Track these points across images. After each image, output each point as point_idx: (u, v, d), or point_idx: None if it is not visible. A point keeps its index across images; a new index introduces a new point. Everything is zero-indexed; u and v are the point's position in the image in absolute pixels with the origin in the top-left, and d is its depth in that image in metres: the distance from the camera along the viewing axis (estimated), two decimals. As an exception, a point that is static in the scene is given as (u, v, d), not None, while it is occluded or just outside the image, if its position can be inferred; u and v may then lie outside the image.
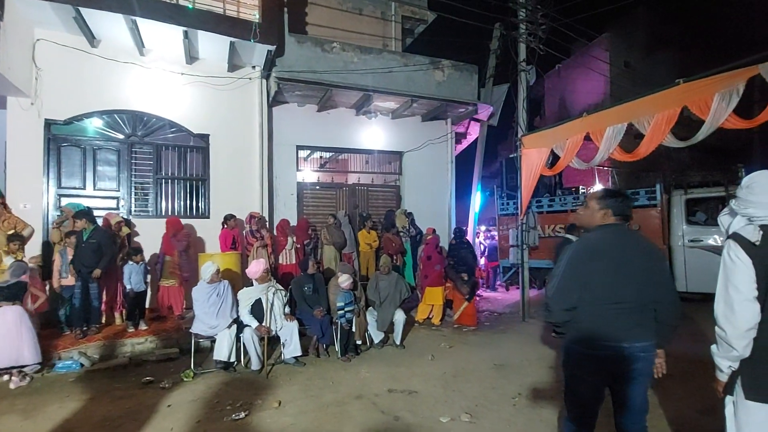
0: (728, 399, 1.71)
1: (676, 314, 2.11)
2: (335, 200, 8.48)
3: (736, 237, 1.66)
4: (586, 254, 2.09)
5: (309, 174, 9.86)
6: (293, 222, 7.48)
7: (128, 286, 5.36)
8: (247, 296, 4.82)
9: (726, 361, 1.69)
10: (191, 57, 6.76)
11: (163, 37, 6.24)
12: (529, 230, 7.50)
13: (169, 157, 7.05)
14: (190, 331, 4.76)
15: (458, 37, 9.30)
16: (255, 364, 4.58)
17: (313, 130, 8.10)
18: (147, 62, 6.61)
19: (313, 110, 8.03)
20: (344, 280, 5.09)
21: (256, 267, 4.89)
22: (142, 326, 5.46)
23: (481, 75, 8.90)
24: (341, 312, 5.01)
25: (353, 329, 5.11)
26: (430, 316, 6.84)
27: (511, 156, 8.36)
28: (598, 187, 11.95)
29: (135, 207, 6.76)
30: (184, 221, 6.84)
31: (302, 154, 8.96)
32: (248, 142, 7.24)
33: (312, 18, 8.48)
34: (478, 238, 10.88)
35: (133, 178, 6.75)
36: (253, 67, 7.19)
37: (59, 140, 6.32)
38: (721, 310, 1.66)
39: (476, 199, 10.30)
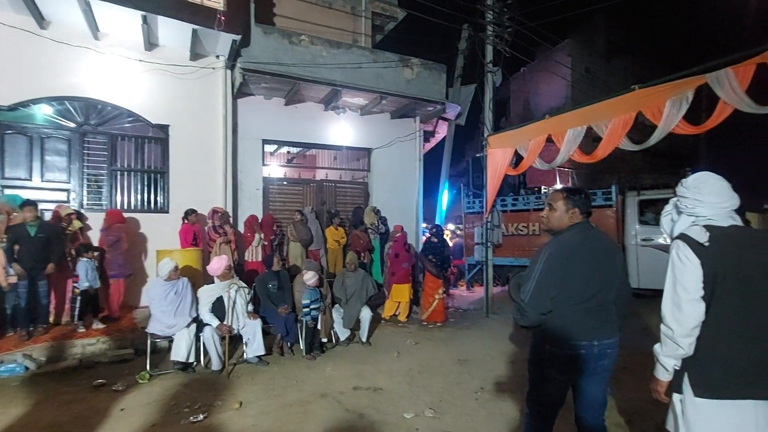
0: (676, 397, 1.73)
1: (630, 308, 2.23)
2: (302, 196, 8.35)
3: (685, 238, 1.69)
4: (563, 257, 2.07)
5: (276, 169, 9.67)
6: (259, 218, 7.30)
7: (85, 284, 5.05)
8: (207, 294, 4.66)
9: (671, 359, 1.71)
10: (150, 43, 6.44)
11: (120, 21, 5.91)
12: (493, 228, 7.67)
13: (126, 147, 6.69)
14: (146, 330, 4.55)
15: (428, 36, 9.38)
16: (215, 365, 4.44)
17: (280, 124, 7.93)
18: (102, 47, 6.23)
19: (281, 104, 7.85)
20: (309, 277, 5.03)
21: (218, 264, 4.74)
22: (98, 326, 5.16)
23: (450, 75, 9.00)
24: (306, 309, 4.95)
25: (318, 327, 5.06)
26: (397, 313, 6.88)
27: (477, 155, 8.51)
28: (558, 187, 12.38)
29: (87, 200, 6.37)
30: (140, 215, 6.56)
31: (269, 148, 8.76)
32: (211, 134, 6.98)
33: (280, 9, 8.29)
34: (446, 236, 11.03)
35: (85, 170, 6.36)
36: (217, 56, 6.94)
37: (3, 127, 5.85)
38: (669, 309, 1.69)
39: (443, 198, 10.44)
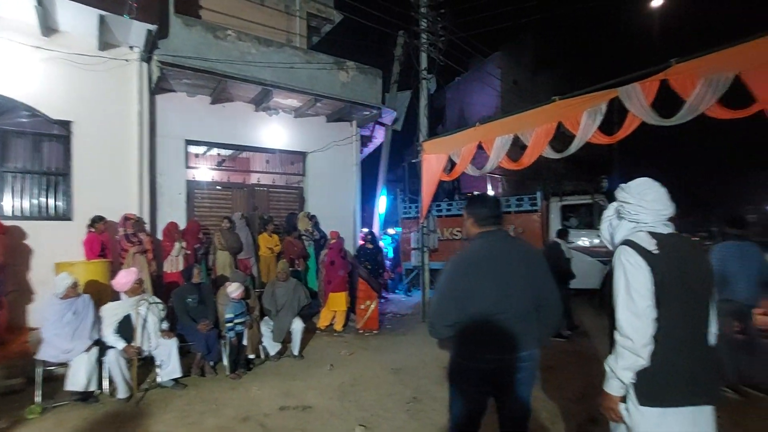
0: (622, 407, 1.68)
1: (558, 316, 2.14)
2: (232, 201, 7.84)
3: (632, 244, 1.65)
4: (462, 267, 2.03)
5: (203, 172, 9.03)
6: (182, 225, 6.71)
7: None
8: (112, 312, 4.11)
9: (629, 372, 1.61)
10: (48, 28, 5.66)
11: (8, 0, 5.13)
12: (429, 233, 7.74)
13: (20, 146, 5.83)
14: (36, 357, 3.92)
15: (364, 41, 9.33)
16: (122, 392, 3.92)
17: (206, 123, 7.39)
18: (-13, 30, 5.38)
19: (206, 102, 7.32)
20: (233, 289, 4.65)
21: (125, 278, 4.22)
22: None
23: (386, 80, 9.01)
24: (230, 324, 4.57)
25: (244, 342, 4.69)
26: (333, 323, 6.66)
27: (413, 161, 8.58)
28: (489, 192, 12.90)
29: (-33, 206, 5.44)
30: (37, 223, 5.73)
31: (194, 149, 8.15)
32: (123, 132, 6.29)
33: (206, 2, 7.76)
34: (384, 240, 10.99)
35: (-35, 171, 5.43)
36: (131, 47, 6.29)
37: None
38: (626, 319, 1.60)
39: (381, 203, 10.41)
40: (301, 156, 8.63)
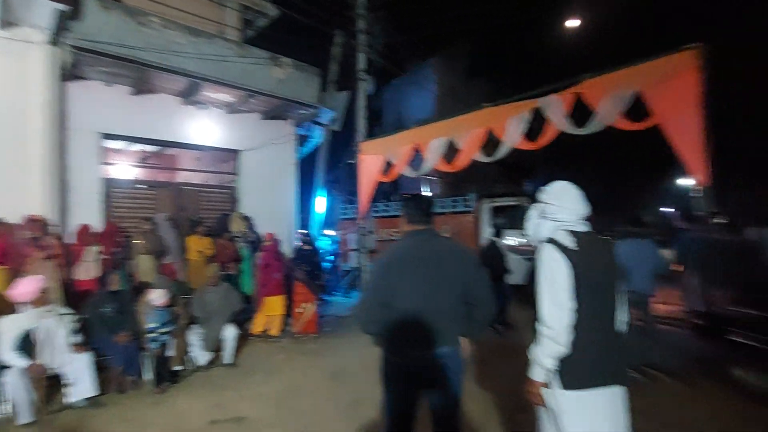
0: (548, 392, 1.81)
1: (490, 312, 2.18)
2: (157, 202, 7.27)
3: (554, 242, 1.80)
4: (385, 265, 2.09)
5: (122, 169, 8.29)
6: (100, 227, 6.10)
7: None
8: (12, 327, 3.62)
9: (551, 359, 1.76)
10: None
11: None
12: (367, 234, 7.79)
13: None
14: None
15: (302, 39, 9.14)
16: (24, 416, 3.48)
17: (126, 116, 6.76)
18: None
19: (126, 93, 6.72)
20: (157, 296, 4.33)
21: (28, 287, 3.75)
22: None
23: (324, 79, 8.91)
24: (153, 335, 4.24)
25: (169, 353, 4.38)
26: (268, 328, 6.45)
27: (351, 162, 8.59)
28: (425, 193, 13.27)
29: None
30: None
31: (111, 144, 7.44)
32: (25, 122, 5.56)
33: (127, -16, 7.13)
34: (322, 242, 10.87)
35: None
36: (37, 28, 5.59)
37: None
38: (548, 309, 1.75)
39: (319, 204, 10.28)
40: (233, 154, 8.24)
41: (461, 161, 6.20)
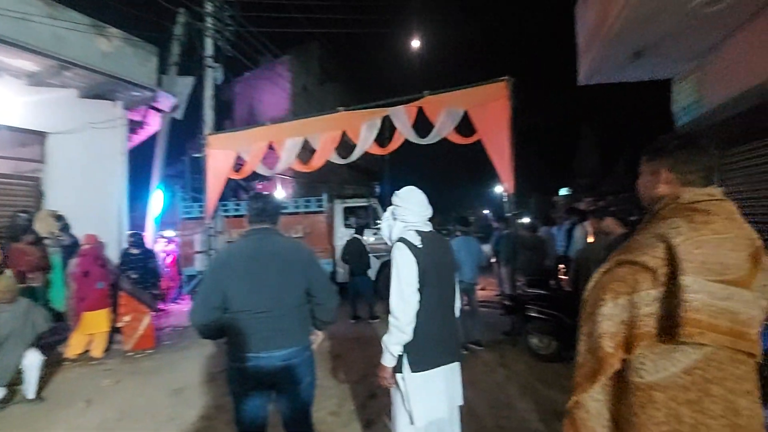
0: (399, 376, 1.98)
1: (331, 311, 2.20)
2: None
3: (404, 241, 1.99)
4: (218, 264, 2.06)
5: None
6: None
7: None
8: None
9: (398, 346, 1.94)
10: None
11: None
12: (217, 235, 7.23)
13: None
14: None
15: (137, 10, 7.90)
16: None
17: None
18: None
19: None
20: None
21: None
22: None
23: (164, 60, 7.90)
24: None
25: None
26: (89, 349, 5.41)
27: (196, 155, 7.81)
28: (279, 192, 13.02)
29: None
30: None
31: None
32: None
33: None
34: (160, 244, 9.55)
35: None
36: None
37: None
38: (396, 302, 1.92)
39: (157, 201, 9.04)
40: (39, 137, 6.60)
41: (317, 162, 6.30)
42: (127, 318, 5.62)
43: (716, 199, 1.28)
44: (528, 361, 4.64)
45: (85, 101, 7.04)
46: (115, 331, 5.69)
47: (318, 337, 2.33)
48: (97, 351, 5.38)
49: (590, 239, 5.39)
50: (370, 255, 7.09)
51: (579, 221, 6.27)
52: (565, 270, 6.41)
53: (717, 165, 1.36)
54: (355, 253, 6.84)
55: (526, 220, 10.88)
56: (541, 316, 4.65)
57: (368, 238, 8.67)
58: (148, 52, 7.33)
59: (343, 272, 8.57)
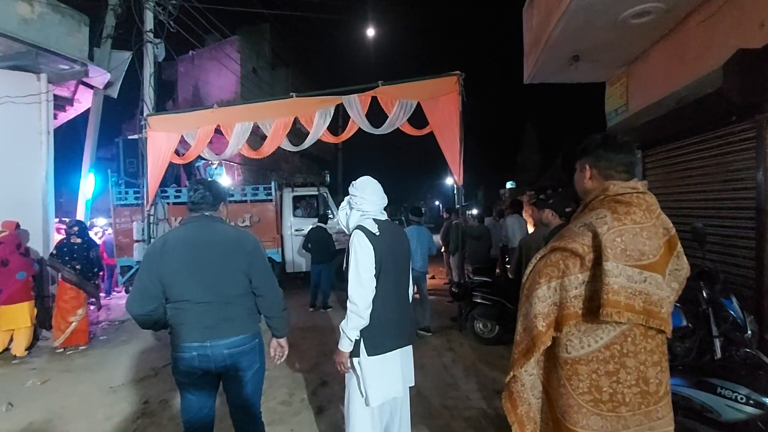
0: (355, 360, 2.04)
1: (273, 305, 2.13)
2: None
3: (362, 229, 2.03)
4: (153, 252, 1.99)
5: None
6: None
7: None
8: None
9: (355, 331, 1.98)
10: None
11: None
12: (158, 223, 6.83)
13: None
14: None
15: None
16: None
17: None
18: None
19: None
20: None
21: None
22: None
23: (96, 31, 7.23)
24: None
25: None
26: (10, 347, 4.94)
27: (132, 137, 7.26)
28: (226, 180, 12.48)
29: None
30: None
31: None
32: None
33: None
34: (93, 232, 8.82)
35: None
36: None
37: None
38: (354, 288, 1.97)
39: (88, 185, 8.33)
40: (-62, 110, 5.84)
41: (267, 148, 6.12)
42: (81, 311, 5.21)
43: (639, 192, 1.44)
44: (473, 344, 4.88)
45: (2, 72, 6.30)
46: (40, 326, 5.23)
47: (282, 349, 2.23)
48: (18, 349, 4.93)
49: (531, 229, 5.74)
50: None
51: (514, 212, 6.54)
52: (508, 259, 6.77)
53: (636, 161, 1.54)
54: (319, 241, 6.78)
55: (474, 211, 11.30)
56: (485, 302, 4.89)
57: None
58: (77, 22, 6.66)
59: (301, 262, 8.46)
